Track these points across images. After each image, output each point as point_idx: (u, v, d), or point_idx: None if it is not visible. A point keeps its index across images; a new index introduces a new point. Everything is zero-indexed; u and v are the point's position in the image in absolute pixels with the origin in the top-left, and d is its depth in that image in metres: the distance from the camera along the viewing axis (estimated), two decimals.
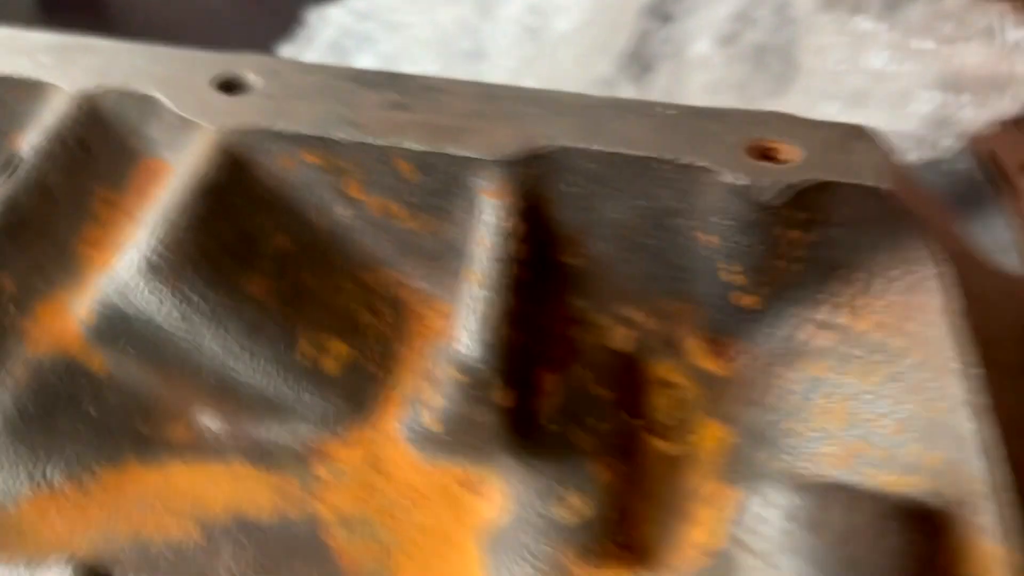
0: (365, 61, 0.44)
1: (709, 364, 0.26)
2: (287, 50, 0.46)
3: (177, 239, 0.23)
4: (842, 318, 0.24)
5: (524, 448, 0.24)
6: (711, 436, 0.25)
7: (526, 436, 0.24)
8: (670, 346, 0.27)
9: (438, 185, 0.25)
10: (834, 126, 0.24)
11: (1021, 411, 0.22)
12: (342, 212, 0.26)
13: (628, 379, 0.26)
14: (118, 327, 0.23)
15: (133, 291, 0.23)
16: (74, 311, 0.24)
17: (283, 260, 0.25)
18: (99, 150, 0.26)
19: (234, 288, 0.23)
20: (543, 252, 0.25)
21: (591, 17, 0.38)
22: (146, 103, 0.27)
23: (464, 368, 0.23)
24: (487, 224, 0.24)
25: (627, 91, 0.38)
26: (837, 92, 0.30)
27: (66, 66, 0.28)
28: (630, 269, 0.26)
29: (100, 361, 0.24)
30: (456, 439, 0.23)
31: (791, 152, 0.23)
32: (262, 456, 0.24)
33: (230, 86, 0.27)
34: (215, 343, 0.23)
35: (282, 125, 0.25)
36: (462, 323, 0.23)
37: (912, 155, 0.30)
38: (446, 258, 0.26)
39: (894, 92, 0.29)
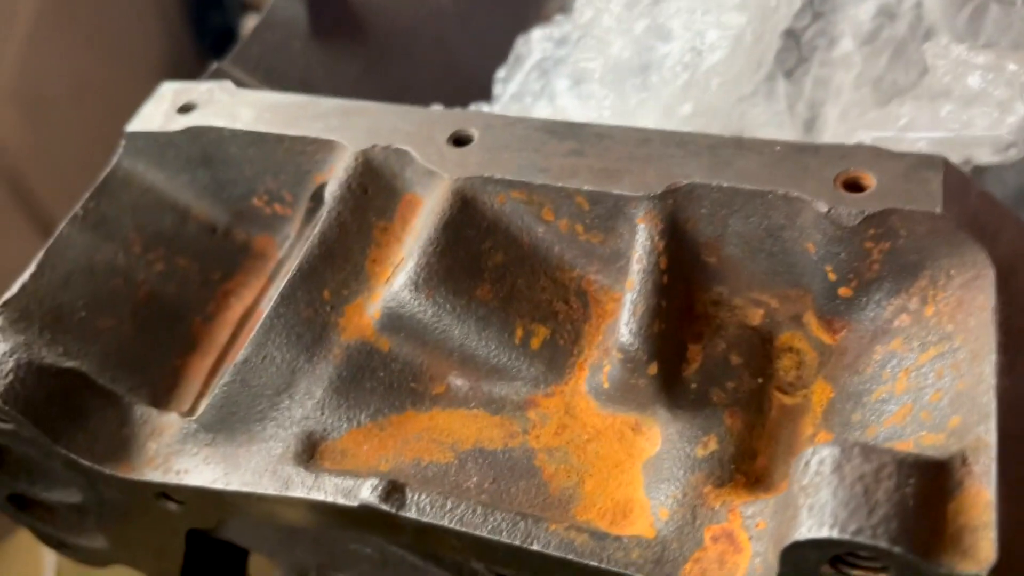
0: (561, 83, 0.52)
1: (823, 335, 0.34)
2: (502, 72, 0.55)
3: (429, 264, 0.34)
4: (915, 304, 0.31)
5: (673, 402, 0.33)
6: (820, 392, 0.33)
7: (675, 393, 0.33)
8: (795, 320, 0.35)
9: (605, 212, 0.34)
10: (910, 157, 0.31)
11: None
12: (540, 231, 0.36)
13: (759, 347, 0.34)
14: (396, 322, 0.35)
15: (405, 300, 0.34)
16: (368, 311, 0.36)
17: (501, 270, 0.35)
18: (374, 192, 0.38)
19: (469, 294, 0.34)
20: (688, 255, 0.34)
21: (736, 51, 0.44)
22: (403, 155, 0.38)
23: (622, 349, 0.32)
24: (640, 242, 0.33)
25: (782, 87, 0.44)
26: (952, 92, 0.35)
27: (347, 128, 0.39)
28: (755, 266, 0.34)
29: (386, 343, 0.36)
30: (621, 395, 0.33)
31: (870, 181, 0.30)
32: (493, 405, 0.35)
33: (459, 140, 0.37)
34: (460, 331, 0.34)
35: (497, 173, 0.35)
36: (622, 317, 0.33)
37: (1010, 153, 0.35)
38: (616, 260, 0.35)
39: (998, 98, 0.34)
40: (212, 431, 0.36)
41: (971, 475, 0.25)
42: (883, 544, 0.23)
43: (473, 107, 0.53)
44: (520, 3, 0.69)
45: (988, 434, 0.26)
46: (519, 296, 0.35)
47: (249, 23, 1.77)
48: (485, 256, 0.35)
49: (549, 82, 0.47)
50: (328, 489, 0.33)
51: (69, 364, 0.38)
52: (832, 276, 0.32)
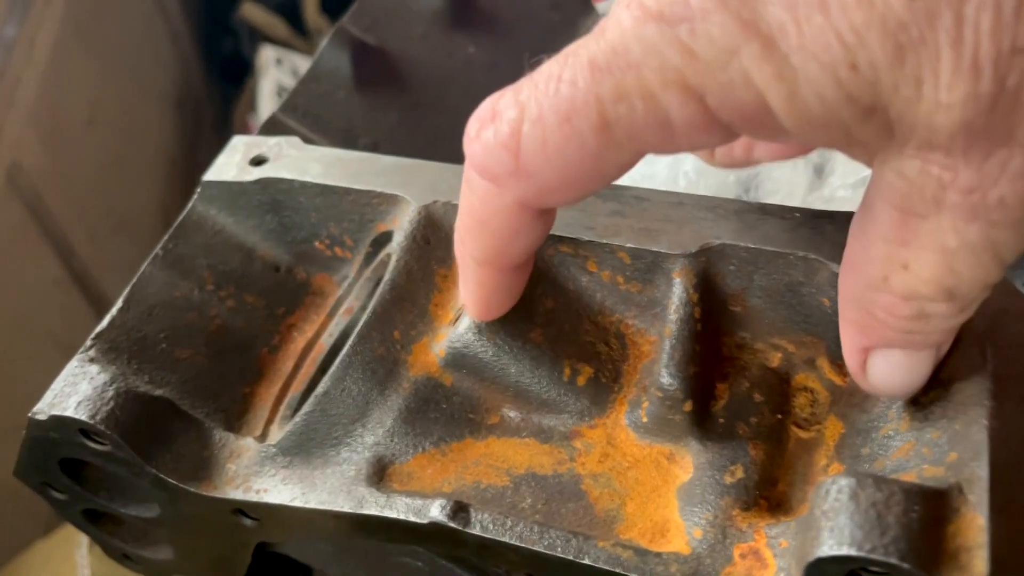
0: None
1: (835, 377, 0.39)
2: None
3: None
4: None
5: (703, 434, 0.37)
6: (832, 427, 0.38)
7: (705, 427, 0.38)
8: (809, 363, 0.39)
9: (644, 266, 0.39)
10: None
11: None
12: (584, 280, 0.40)
13: (778, 387, 0.39)
14: (460, 360, 0.39)
15: (469, 342, 0.39)
16: (433, 350, 0.40)
17: (551, 315, 0.40)
18: (435, 242, 0.42)
19: (524, 337, 0.39)
20: (717, 305, 0.39)
21: None
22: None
23: (662, 389, 0.37)
24: (676, 295, 0.38)
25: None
26: None
27: (409, 184, 0.44)
28: (775, 316, 0.38)
29: (449, 378, 0.40)
30: (658, 428, 0.38)
31: None
32: (542, 435, 0.40)
33: None
34: (515, 369, 0.39)
35: None
36: (662, 360, 0.37)
37: None
38: (651, 307, 0.40)
39: None
40: (290, 455, 0.40)
41: (967, 503, 0.30)
42: (894, 560, 0.28)
43: None
44: (540, 53, 0.73)
45: (981, 468, 0.30)
46: (566, 338, 0.40)
47: (265, 53, 1.82)
48: (537, 302, 0.40)
49: None
50: (399, 508, 0.37)
51: (158, 392, 0.42)
52: None
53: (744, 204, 0.38)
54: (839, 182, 0.44)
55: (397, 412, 0.40)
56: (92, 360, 0.42)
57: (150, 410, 0.41)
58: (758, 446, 0.37)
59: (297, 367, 0.47)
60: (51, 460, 0.44)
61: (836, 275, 0.35)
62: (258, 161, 0.47)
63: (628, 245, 0.38)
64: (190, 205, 0.48)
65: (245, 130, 1.99)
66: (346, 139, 0.62)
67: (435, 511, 0.36)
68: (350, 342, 0.40)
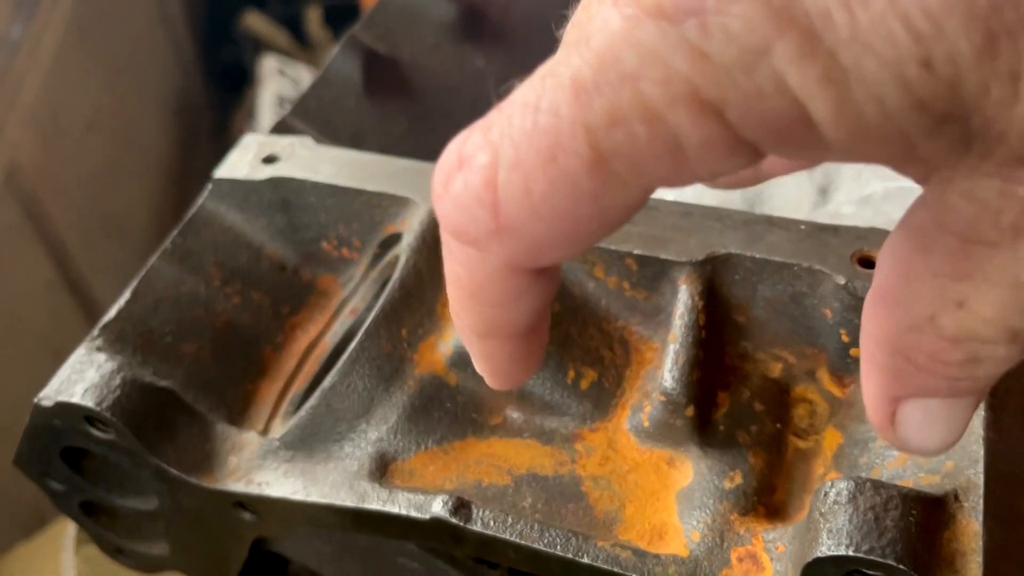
0: None
1: (834, 389, 0.39)
2: None
3: None
4: None
5: (704, 441, 0.38)
6: (830, 438, 0.38)
7: (706, 433, 0.38)
8: (809, 375, 0.40)
9: (651, 274, 0.39)
10: None
11: None
12: (591, 286, 0.41)
13: (778, 397, 0.40)
14: (464, 359, 0.40)
15: None
16: (440, 349, 0.41)
17: (557, 319, 0.40)
18: None
19: None
20: (721, 314, 0.39)
21: None
22: None
23: (665, 393, 0.37)
24: (681, 301, 0.38)
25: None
26: None
27: (420, 186, 0.45)
28: (778, 326, 0.39)
29: (454, 378, 0.41)
30: (660, 433, 0.38)
31: None
32: (544, 436, 0.40)
33: None
34: None
35: None
36: (665, 364, 0.38)
37: None
38: (656, 314, 0.40)
39: None
40: (293, 449, 0.41)
41: (962, 509, 0.30)
42: (891, 561, 0.28)
43: None
44: None
45: (977, 476, 0.31)
46: (572, 342, 0.40)
47: (266, 63, 1.83)
48: None
49: None
50: (401, 503, 0.37)
51: (163, 383, 0.42)
52: (846, 338, 0.37)
53: (751, 215, 0.39)
54: (844, 198, 0.45)
55: (401, 409, 0.40)
56: (99, 349, 0.43)
57: (155, 401, 0.41)
58: (757, 454, 0.37)
59: (300, 365, 0.48)
60: (53, 449, 0.44)
61: (840, 287, 0.36)
62: (270, 159, 0.48)
63: (636, 251, 0.39)
64: (200, 201, 0.49)
65: None
66: (354, 145, 0.63)
67: (437, 507, 0.36)
68: (358, 338, 0.40)
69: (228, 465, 0.42)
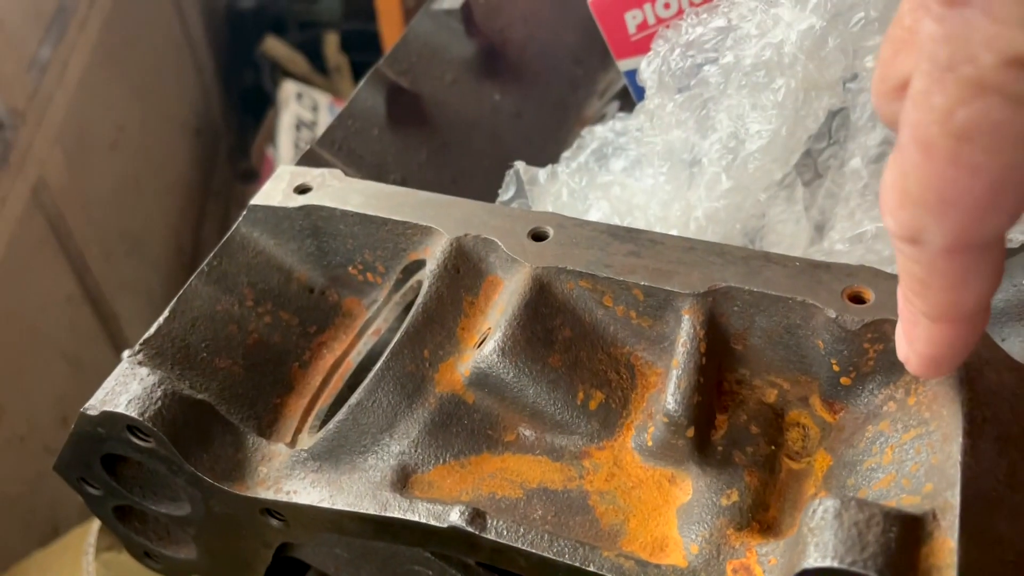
0: (618, 163, 0.61)
1: (825, 415, 0.42)
2: (566, 154, 0.63)
3: (514, 335, 0.42)
4: (900, 394, 0.39)
5: (703, 460, 0.41)
6: (821, 460, 0.41)
7: (705, 453, 0.41)
8: (803, 401, 0.43)
9: (656, 303, 0.42)
10: None
11: (1009, 463, 0.37)
12: (600, 314, 0.44)
13: (773, 421, 0.43)
14: (483, 380, 0.43)
15: (493, 363, 0.42)
16: (459, 369, 0.44)
17: (568, 343, 0.43)
18: (464, 271, 0.46)
19: (543, 361, 0.42)
20: (720, 342, 0.42)
21: (773, 141, 0.53)
22: (490, 244, 0.46)
23: (668, 415, 0.40)
24: (684, 330, 0.41)
25: (800, 192, 0.53)
26: None
27: (444, 217, 0.48)
28: (774, 355, 0.42)
29: (472, 397, 0.43)
30: (662, 452, 0.41)
31: (870, 296, 0.39)
32: (554, 453, 0.43)
33: (537, 236, 0.45)
34: (533, 391, 0.42)
35: (569, 265, 0.44)
36: (668, 388, 0.41)
37: None
38: (660, 341, 0.43)
39: None
40: (319, 460, 0.44)
41: (939, 528, 0.33)
42: (872, 573, 0.31)
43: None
44: (565, 105, 0.78)
45: (954, 498, 0.34)
46: (581, 365, 0.43)
47: (286, 87, 1.87)
48: (556, 331, 0.43)
49: (607, 163, 0.55)
50: (421, 512, 0.40)
51: (199, 396, 0.45)
52: (836, 368, 0.40)
53: (750, 251, 0.42)
54: (837, 236, 0.48)
55: (422, 425, 0.43)
56: (141, 363, 0.46)
57: (193, 412, 0.45)
58: (753, 473, 0.40)
59: (325, 382, 0.51)
60: (94, 455, 0.47)
61: (831, 320, 0.39)
62: (303, 189, 0.51)
63: (642, 283, 0.42)
64: (235, 226, 0.52)
65: (263, 160, 2.04)
66: (377, 173, 0.66)
67: (455, 516, 0.39)
68: (383, 358, 0.43)
69: (258, 474, 0.45)
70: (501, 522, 0.39)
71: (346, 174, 0.54)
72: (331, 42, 2.13)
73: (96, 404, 0.44)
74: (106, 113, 1.74)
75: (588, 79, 0.80)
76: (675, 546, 0.39)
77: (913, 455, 0.37)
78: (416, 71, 0.72)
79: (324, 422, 0.48)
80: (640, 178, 0.52)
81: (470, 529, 0.39)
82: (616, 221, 0.53)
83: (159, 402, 0.43)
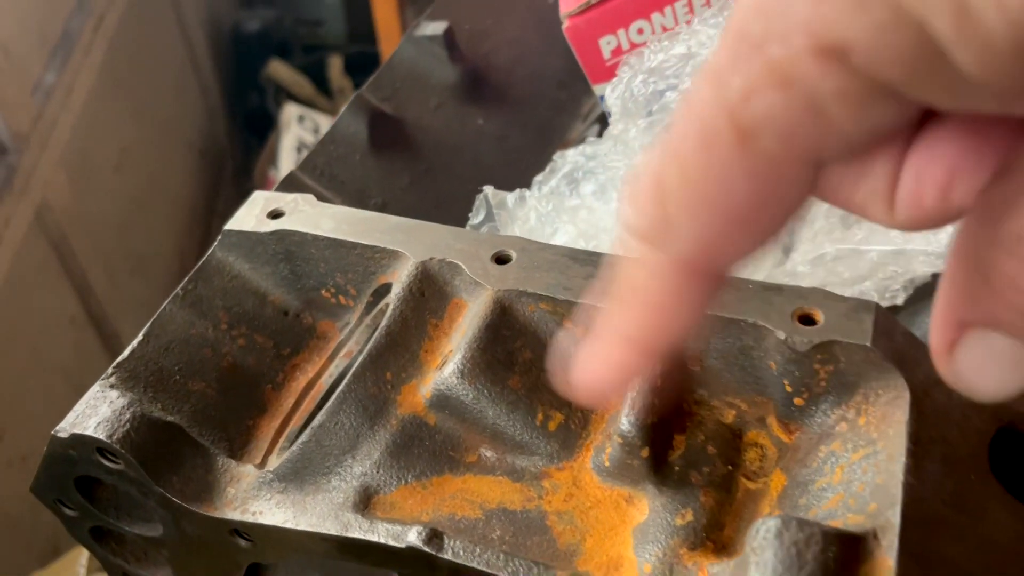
0: (588, 187, 0.62)
1: (781, 435, 0.43)
2: (539, 176, 0.64)
3: (474, 357, 0.43)
4: (851, 415, 0.39)
5: (659, 480, 0.41)
6: (776, 480, 0.42)
7: (661, 473, 0.42)
8: (760, 421, 0.43)
9: None
10: (851, 300, 0.40)
11: (956, 484, 0.37)
12: (561, 335, 0.45)
13: (730, 441, 0.43)
14: (444, 402, 0.44)
15: (452, 385, 0.43)
16: (421, 391, 0.44)
17: (528, 365, 0.44)
18: (429, 295, 0.47)
19: (503, 383, 0.43)
20: (677, 364, 0.43)
21: None
22: (454, 267, 0.47)
23: (622, 435, 0.41)
24: None
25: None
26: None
27: (410, 242, 0.49)
28: (730, 376, 0.43)
29: (433, 418, 0.44)
30: (619, 472, 0.42)
31: (820, 317, 0.40)
32: (514, 474, 0.44)
33: (500, 260, 0.46)
34: (493, 413, 0.43)
35: (530, 288, 0.44)
36: (623, 410, 0.41)
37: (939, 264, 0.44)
38: None
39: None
40: (285, 481, 0.44)
41: (879, 547, 0.34)
42: None
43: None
44: (550, 128, 0.79)
45: (894, 517, 0.34)
46: (541, 387, 0.44)
47: (288, 110, 1.90)
48: (517, 352, 0.44)
49: (578, 187, 0.56)
50: (381, 533, 0.41)
51: (170, 419, 0.46)
52: (789, 388, 0.41)
53: None
54: (800, 258, 0.49)
55: (384, 446, 0.44)
56: (112, 386, 0.47)
57: (162, 434, 0.45)
58: (708, 493, 0.41)
59: (298, 403, 0.51)
60: (67, 477, 0.48)
61: (780, 341, 0.40)
62: (275, 215, 0.52)
63: (599, 305, 0.43)
64: (210, 251, 0.53)
65: (265, 182, 2.06)
66: (359, 198, 0.67)
67: (412, 537, 0.40)
68: (346, 380, 0.44)
69: (227, 495, 0.45)
70: (458, 542, 0.40)
71: (328, 199, 0.55)
72: (335, 65, 2.15)
73: (66, 427, 0.45)
74: (110, 136, 1.77)
75: (572, 103, 0.81)
76: (629, 565, 0.39)
77: (860, 475, 0.37)
78: (400, 96, 0.74)
79: (294, 443, 0.48)
80: (608, 201, 0.53)
81: (427, 549, 0.40)
82: (583, 244, 0.53)
83: (127, 424, 0.44)
